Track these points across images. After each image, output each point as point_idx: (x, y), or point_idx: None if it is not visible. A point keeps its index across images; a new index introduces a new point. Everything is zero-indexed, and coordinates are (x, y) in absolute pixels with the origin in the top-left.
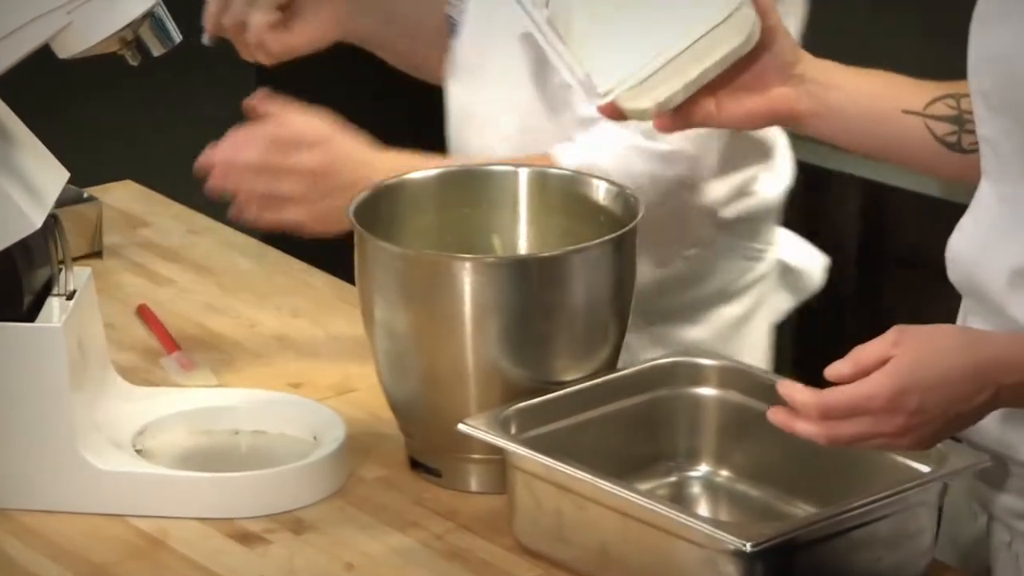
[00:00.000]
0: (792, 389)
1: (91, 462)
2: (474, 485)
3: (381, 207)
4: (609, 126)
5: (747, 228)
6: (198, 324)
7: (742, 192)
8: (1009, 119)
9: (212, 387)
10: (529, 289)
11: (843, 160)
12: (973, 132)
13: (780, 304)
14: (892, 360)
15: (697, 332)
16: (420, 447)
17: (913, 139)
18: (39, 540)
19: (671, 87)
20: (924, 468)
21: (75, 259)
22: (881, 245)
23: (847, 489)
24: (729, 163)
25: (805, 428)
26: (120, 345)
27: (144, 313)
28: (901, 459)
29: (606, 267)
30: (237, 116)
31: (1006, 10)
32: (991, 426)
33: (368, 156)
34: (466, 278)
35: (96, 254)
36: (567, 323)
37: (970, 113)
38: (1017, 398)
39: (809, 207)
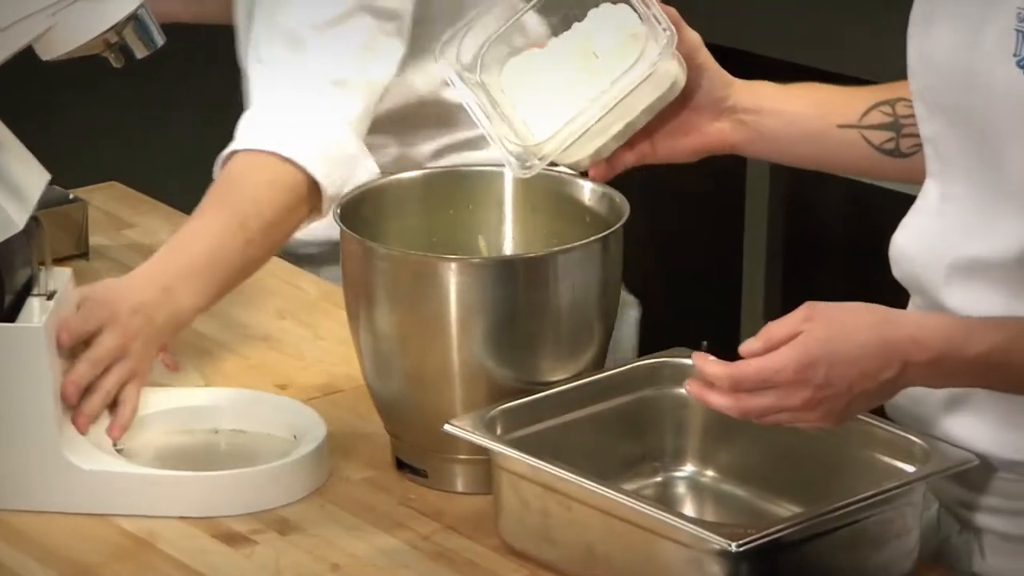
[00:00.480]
0: (704, 361)
1: (73, 462)
2: (460, 485)
3: (366, 209)
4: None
5: None
6: None
7: (454, 149)
8: (947, 120)
9: (195, 387)
10: (515, 290)
11: None
12: (911, 136)
13: None
14: (801, 335)
15: None
16: (406, 448)
17: (852, 150)
18: (24, 541)
19: (600, 140)
20: (909, 468)
21: (61, 260)
22: (872, 243)
23: (833, 489)
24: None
25: (717, 400)
26: None
27: None
28: (887, 459)
29: (592, 267)
30: (222, 117)
31: (939, 13)
32: (935, 416)
33: (133, 292)
34: (452, 279)
35: (82, 255)
36: (553, 324)
37: (906, 117)
38: (925, 377)
39: (792, 204)
